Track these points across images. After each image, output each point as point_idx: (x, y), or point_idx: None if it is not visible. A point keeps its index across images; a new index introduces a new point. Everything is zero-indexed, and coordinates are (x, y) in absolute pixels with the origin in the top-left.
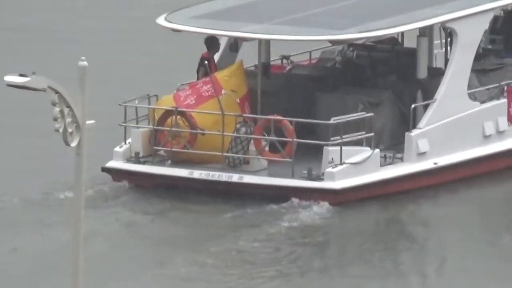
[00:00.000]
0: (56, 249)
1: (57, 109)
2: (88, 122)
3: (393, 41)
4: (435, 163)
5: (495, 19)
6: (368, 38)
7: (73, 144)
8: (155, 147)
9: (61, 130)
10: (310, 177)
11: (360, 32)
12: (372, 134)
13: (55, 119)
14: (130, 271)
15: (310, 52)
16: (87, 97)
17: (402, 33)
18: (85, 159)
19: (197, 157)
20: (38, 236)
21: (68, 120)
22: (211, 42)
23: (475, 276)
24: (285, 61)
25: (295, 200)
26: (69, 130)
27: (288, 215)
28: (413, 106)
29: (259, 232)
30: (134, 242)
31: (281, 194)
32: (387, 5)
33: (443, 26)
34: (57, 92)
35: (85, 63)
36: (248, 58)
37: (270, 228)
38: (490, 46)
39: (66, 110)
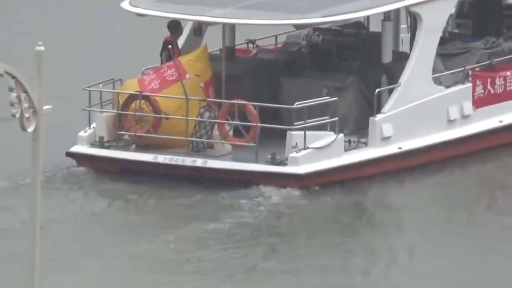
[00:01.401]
0: (16, 235)
1: (13, 94)
2: (45, 107)
3: (359, 26)
4: (399, 148)
5: (462, 3)
6: (333, 22)
7: (30, 129)
8: (119, 132)
9: (17, 116)
10: (273, 162)
11: (324, 16)
12: (336, 118)
13: (12, 105)
14: (92, 255)
15: (276, 36)
16: (43, 83)
17: (368, 18)
18: (42, 145)
19: (161, 142)
20: None
21: (25, 105)
22: (174, 26)
23: (438, 261)
24: (250, 45)
25: (258, 185)
26: (26, 115)
27: (251, 199)
28: (377, 90)
29: (222, 217)
30: (97, 227)
31: (245, 179)
32: None
33: (408, 10)
34: (14, 77)
35: (42, 48)
36: (214, 42)
37: (234, 212)
38: (456, 31)
39: (23, 96)
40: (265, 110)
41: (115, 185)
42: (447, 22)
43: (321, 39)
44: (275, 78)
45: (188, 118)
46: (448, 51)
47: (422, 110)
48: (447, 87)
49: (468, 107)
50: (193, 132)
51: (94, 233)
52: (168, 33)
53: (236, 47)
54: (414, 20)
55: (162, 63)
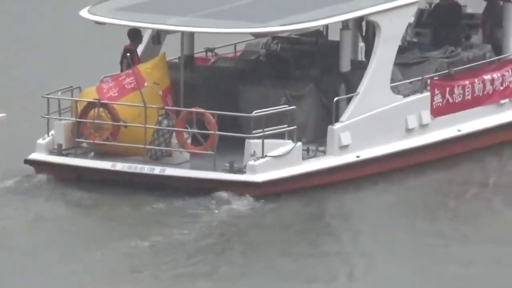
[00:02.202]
0: None
1: None
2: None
3: (317, 34)
4: (357, 156)
5: (421, 12)
6: (291, 31)
7: None
8: (77, 139)
9: None
10: (232, 170)
11: (283, 25)
12: (294, 127)
13: None
14: (48, 264)
15: (235, 44)
16: None
17: (327, 26)
18: None
19: (120, 150)
20: None
21: None
22: (134, 34)
23: (395, 268)
24: (209, 53)
25: (217, 193)
26: None
27: (209, 208)
28: (335, 99)
29: (180, 225)
30: (55, 235)
31: (203, 187)
32: None
33: (366, 19)
34: None
35: None
36: (173, 50)
37: (191, 221)
38: (415, 40)
39: None
40: (223, 118)
41: (73, 192)
42: (406, 31)
43: (279, 48)
44: (233, 86)
45: (147, 126)
46: (407, 60)
47: (380, 119)
48: (405, 96)
49: (426, 116)
50: (152, 140)
51: (51, 241)
52: (129, 41)
53: (195, 55)
54: (372, 29)
55: (122, 71)
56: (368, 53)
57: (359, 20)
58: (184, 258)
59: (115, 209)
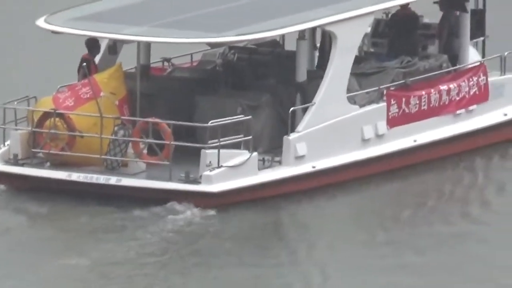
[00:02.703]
0: None
1: None
2: None
3: (274, 44)
4: (313, 167)
5: (378, 22)
6: (247, 41)
7: None
8: (33, 149)
9: None
10: (187, 180)
11: (239, 35)
12: (250, 137)
13: None
14: (1, 275)
15: (191, 54)
16: None
17: (283, 36)
18: None
19: (76, 160)
20: None
21: None
22: (92, 44)
23: (349, 278)
24: (166, 63)
25: (172, 203)
26: None
27: (165, 218)
28: (291, 109)
29: (135, 235)
30: (9, 245)
31: (159, 197)
32: (267, 8)
33: (322, 29)
34: None
35: None
36: (130, 60)
37: (147, 230)
38: (372, 50)
39: None
40: (179, 128)
41: (29, 202)
42: (363, 41)
43: (236, 58)
44: (190, 96)
45: (103, 136)
46: (363, 70)
47: (337, 129)
48: (361, 106)
49: (382, 126)
50: (108, 150)
51: (5, 251)
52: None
53: (152, 65)
54: (329, 39)
55: (79, 80)
56: (322, 63)
57: (314, 30)
58: (139, 268)
59: (70, 219)
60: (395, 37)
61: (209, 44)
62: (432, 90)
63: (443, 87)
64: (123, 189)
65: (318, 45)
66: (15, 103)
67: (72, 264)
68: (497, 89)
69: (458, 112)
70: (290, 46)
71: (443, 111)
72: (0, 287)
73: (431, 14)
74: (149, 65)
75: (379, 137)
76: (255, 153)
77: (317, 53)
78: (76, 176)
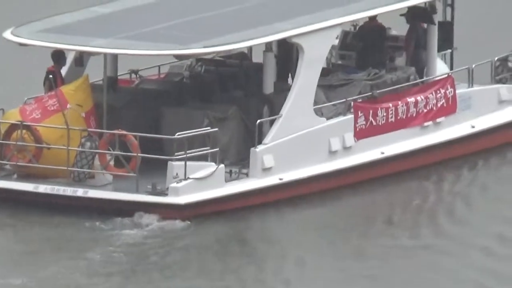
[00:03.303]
0: None
1: None
2: None
3: (242, 56)
4: (280, 179)
5: (346, 34)
6: (214, 53)
7: None
8: (0, 161)
9: None
10: (154, 192)
11: (205, 47)
12: (217, 149)
13: None
14: None
15: (159, 66)
16: None
17: (251, 48)
18: None
19: (43, 171)
20: None
21: None
22: (58, 56)
23: None
24: (133, 75)
25: (139, 215)
26: None
27: (131, 229)
28: (258, 121)
29: (102, 247)
30: None
31: (126, 209)
32: (235, 20)
33: (289, 41)
34: None
35: None
36: (97, 72)
37: (113, 242)
38: (340, 62)
39: None
40: (146, 140)
41: None
42: (331, 53)
43: (203, 70)
44: (157, 108)
45: (70, 148)
46: (330, 83)
47: (304, 141)
48: (328, 118)
49: (349, 138)
50: (74, 162)
51: None
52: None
53: (120, 77)
54: (287, 51)
55: (45, 93)
56: (282, 75)
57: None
58: (104, 279)
59: (35, 232)
60: (362, 49)
61: (176, 56)
62: (400, 102)
63: (411, 99)
64: (90, 201)
65: None
66: None
67: (37, 274)
68: (464, 101)
69: (425, 124)
70: (258, 58)
71: (411, 123)
72: None
73: (397, 27)
74: (116, 77)
75: (346, 149)
76: (222, 165)
77: None
78: (43, 188)
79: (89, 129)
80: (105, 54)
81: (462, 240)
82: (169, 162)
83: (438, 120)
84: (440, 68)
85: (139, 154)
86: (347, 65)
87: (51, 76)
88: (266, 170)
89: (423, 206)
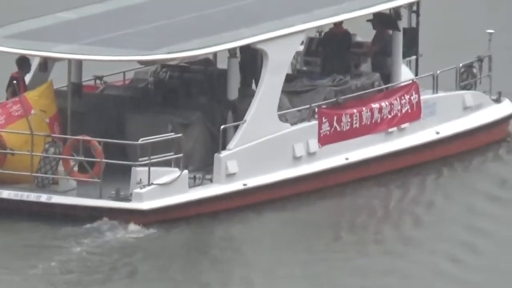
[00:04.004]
0: None
1: None
2: None
3: (206, 62)
4: (244, 185)
5: (311, 40)
6: (176, 59)
7: None
8: None
9: None
10: (118, 198)
11: (169, 53)
12: (181, 155)
13: None
14: None
15: (124, 72)
16: None
17: (215, 54)
18: None
19: (6, 177)
20: None
21: None
22: (22, 62)
23: None
24: (98, 81)
25: (103, 221)
26: None
27: (94, 235)
28: (222, 127)
29: (64, 253)
30: None
31: (90, 215)
32: (199, 26)
33: (253, 47)
34: None
35: None
36: (62, 78)
37: (76, 248)
38: (305, 68)
39: None
40: (110, 146)
41: None
42: (296, 60)
43: (168, 76)
44: (121, 114)
45: (33, 153)
46: (295, 88)
47: (268, 147)
48: (293, 124)
49: (313, 144)
50: (38, 167)
51: None
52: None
53: (85, 83)
54: (250, 56)
55: (7, 98)
56: (246, 81)
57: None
58: (66, 286)
59: None
60: (327, 56)
61: (140, 62)
62: (364, 108)
63: (375, 105)
64: (54, 206)
65: None
66: None
67: None
68: (429, 107)
69: (390, 130)
70: (222, 64)
71: (375, 129)
72: None
73: (363, 33)
74: (81, 83)
75: (311, 155)
76: (185, 171)
77: None
78: (6, 193)
79: (53, 135)
80: (69, 60)
81: (423, 245)
82: (133, 168)
83: (402, 126)
84: (405, 74)
85: (103, 160)
86: (312, 71)
87: (15, 82)
88: (230, 176)
89: (387, 212)
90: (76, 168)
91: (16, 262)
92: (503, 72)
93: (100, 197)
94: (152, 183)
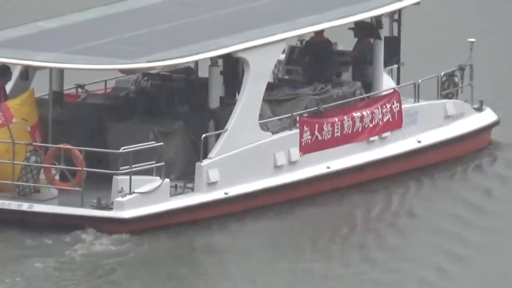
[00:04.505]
0: None
1: None
2: None
3: (188, 71)
4: (225, 193)
5: (292, 49)
6: (157, 67)
7: None
8: None
9: None
10: (99, 206)
11: (149, 61)
12: (162, 163)
13: None
14: None
15: (105, 81)
16: None
17: (197, 63)
18: None
19: None
20: None
21: None
22: (3, 70)
23: None
24: (80, 90)
25: (84, 229)
26: None
27: (75, 244)
28: (204, 135)
29: (46, 261)
30: None
31: (71, 223)
32: (180, 35)
33: (234, 56)
34: None
35: None
36: (43, 86)
37: (57, 256)
38: (287, 77)
39: None
40: (92, 154)
41: None
42: (278, 68)
43: (149, 84)
44: (102, 122)
45: (15, 162)
46: (276, 97)
47: (249, 156)
48: (274, 133)
49: (295, 153)
50: (20, 176)
51: None
52: None
53: (66, 91)
54: (232, 65)
55: None
56: (228, 89)
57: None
58: None
59: None
60: (309, 64)
61: (121, 70)
62: (346, 117)
63: (357, 114)
64: (35, 215)
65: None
66: None
67: None
68: (410, 116)
69: (371, 139)
70: (204, 73)
71: (357, 138)
72: None
73: (344, 42)
74: (62, 91)
75: (292, 163)
76: (167, 180)
77: None
78: None
79: (34, 143)
80: (50, 69)
81: (404, 254)
82: (114, 177)
83: (384, 135)
84: (387, 83)
85: (84, 169)
86: (293, 80)
87: None
88: (212, 185)
89: (369, 221)
90: (57, 177)
91: None
92: (485, 81)
93: (82, 205)
94: (133, 192)
